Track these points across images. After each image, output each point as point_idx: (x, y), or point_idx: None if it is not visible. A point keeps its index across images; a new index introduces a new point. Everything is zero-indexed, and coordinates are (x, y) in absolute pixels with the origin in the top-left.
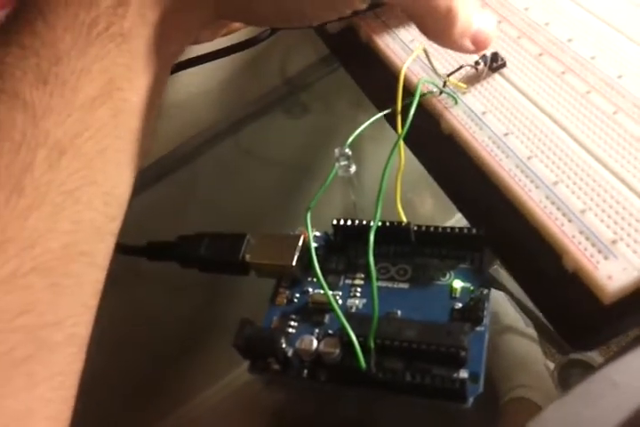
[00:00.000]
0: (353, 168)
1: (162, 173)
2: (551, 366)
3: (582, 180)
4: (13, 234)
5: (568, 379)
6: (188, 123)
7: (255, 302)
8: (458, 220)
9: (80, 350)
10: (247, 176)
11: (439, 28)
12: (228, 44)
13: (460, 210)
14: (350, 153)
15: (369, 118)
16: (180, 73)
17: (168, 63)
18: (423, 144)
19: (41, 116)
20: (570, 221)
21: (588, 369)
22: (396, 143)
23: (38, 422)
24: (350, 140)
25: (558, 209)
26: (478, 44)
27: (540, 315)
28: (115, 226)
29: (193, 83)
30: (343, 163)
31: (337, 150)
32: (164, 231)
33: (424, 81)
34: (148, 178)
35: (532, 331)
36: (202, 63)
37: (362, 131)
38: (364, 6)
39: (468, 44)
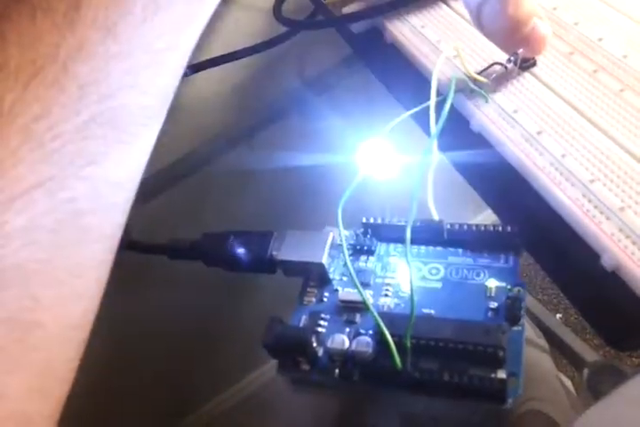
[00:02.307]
0: (381, 164)
1: (177, 176)
2: (564, 378)
3: (619, 177)
4: (100, 78)
5: (598, 385)
6: (204, 126)
7: (280, 301)
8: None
9: (125, 216)
10: (264, 180)
11: (498, 6)
12: (246, 45)
13: (493, 209)
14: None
15: (392, 118)
16: (195, 76)
17: None
18: (453, 143)
19: None
20: (608, 218)
21: (618, 375)
22: (430, 141)
23: (89, 282)
24: (382, 133)
25: (596, 207)
26: (532, 42)
27: (554, 326)
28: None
29: (208, 86)
30: (371, 159)
31: (364, 145)
32: (180, 235)
33: (457, 78)
34: (164, 181)
35: (543, 342)
36: (219, 65)
37: (396, 123)
38: None
39: (521, 34)
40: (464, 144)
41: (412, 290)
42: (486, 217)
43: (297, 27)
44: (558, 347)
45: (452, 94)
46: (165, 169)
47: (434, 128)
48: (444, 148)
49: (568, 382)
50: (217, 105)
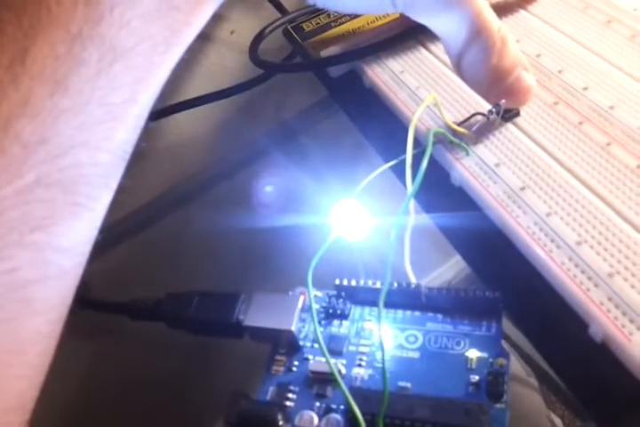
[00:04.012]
0: (357, 224)
1: (149, 220)
2: (554, 417)
3: (608, 240)
4: (48, 136)
5: None
6: (177, 170)
7: (249, 367)
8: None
9: (76, 281)
10: (243, 225)
11: (481, 55)
12: (224, 86)
13: (474, 269)
14: (355, 207)
15: (369, 168)
16: (172, 117)
17: None
18: (431, 197)
19: (99, 17)
20: (596, 285)
21: None
22: (406, 203)
23: (30, 358)
24: (355, 193)
25: (583, 272)
26: (516, 93)
27: (544, 365)
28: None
29: (185, 127)
30: (344, 220)
31: (336, 206)
32: (149, 286)
33: (436, 131)
34: (134, 225)
35: (532, 380)
36: (193, 107)
37: (365, 184)
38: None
39: (504, 85)
40: (445, 199)
41: (384, 367)
42: (455, 263)
43: (273, 69)
44: (548, 385)
45: (429, 150)
46: (129, 216)
47: (410, 187)
48: (423, 202)
49: (558, 422)
50: (188, 148)
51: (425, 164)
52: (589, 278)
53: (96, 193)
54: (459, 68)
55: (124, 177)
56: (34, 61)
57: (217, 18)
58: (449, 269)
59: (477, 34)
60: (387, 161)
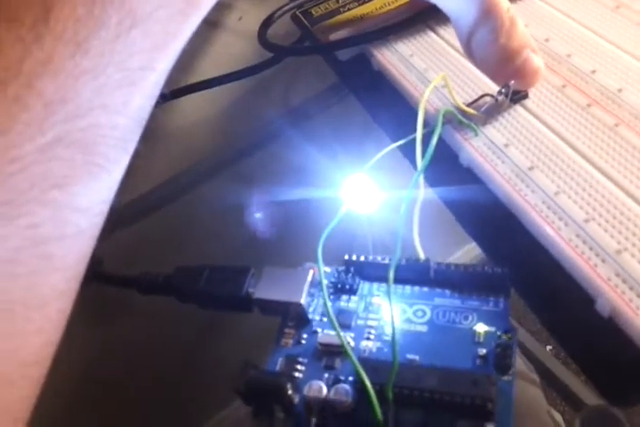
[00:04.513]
0: (368, 199)
1: (159, 202)
2: (555, 413)
3: (615, 217)
4: (69, 96)
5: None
6: (188, 151)
7: (260, 340)
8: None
9: (93, 241)
10: (244, 212)
11: (490, 35)
12: (235, 69)
13: (482, 248)
14: (366, 181)
15: (378, 149)
16: (180, 99)
17: None
18: (440, 177)
19: None
20: (604, 261)
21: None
22: (416, 177)
23: (49, 313)
24: (365, 168)
25: (591, 249)
26: (524, 74)
27: (545, 359)
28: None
29: (193, 110)
30: (355, 195)
31: (347, 180)
32: (158, 265)
33: (446, 110)
34: (144, 207)
35: (534, 376)
36: (202, 90)
37: (376, 159)
38: None
39: (513, 66)
40: (453, 178)
41: (393, 338)
42: (471, 249)
43: (282, 53)
44: (549, 380)
45: (439, 128)
46: (141, 197)
47: (420, 163)
48: (432, 182)
49: (559, 417)
50: (199, 130)
51: (435, 141)
52: (597, 255)
53: (114, 155)
54: (468, 48)
55: (139, 142)
56: (56, 22)
57: (224, 5)
58: (463, 256)
59: (486, 13)
60: (395, 141)
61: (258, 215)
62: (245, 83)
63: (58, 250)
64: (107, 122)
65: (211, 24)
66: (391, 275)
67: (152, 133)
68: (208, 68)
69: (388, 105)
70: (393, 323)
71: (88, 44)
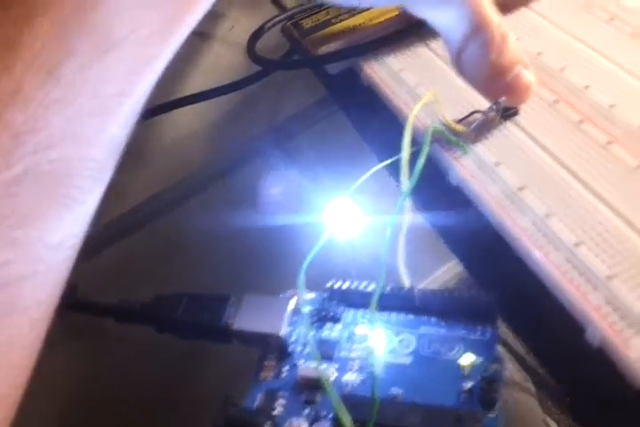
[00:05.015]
0: (351, 224)
1: (141, 221)
2: (550, 421)
3: (607, 241)
4: (39, 127)
5: None
6: (173, 168)
7: (239, 372)
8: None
9: (65, 276)
10: (235, 226)
11: (480, 51)
12: (222, 83)
13: (469, 271)
14: (349, 206)
15: (365, 169)
16: (167, 114)
17: None
18: (429, 196)
19: (91, 2)
20: (595, 288)
21: None
22: (401, 201)
23: (16, 352)
24: (349, 192)
25: (581, 275)
26: (515, 90)
27: (540, 367)
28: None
29: (181, 125)
30: (338, 220)
31: (330, 205)
32: (138, 288)
33: (435, 128)
34: (127, 226)
35: (530, 385)
36: (189, 104)
37: (361, 182)
38: None
39: (504, 82)
40: (442, 199)
41: (374, 371)
42: (452, 266)
43: (270, 66)
44: (544, 389)
45: (427, 148)
46: (127, 214)
47: (406, 185)
48: (419, 201)
49: (554, 426)
50: (178, 150)
51: (422, 161)
52: (587, 281)
53: (88, 186)
54: (458, 64)
55: (116, 172)
56: (26, 48)
57: (216, 14)
58: (445, 274)
59: (477, 29)
60: (383, 161)
61: (263, 188)
62: (234, 96)
63: (29, 288)
64: (79, 153)
65: (201, 34)
66: (374, 305)
67: (133, 151)
68: (198, 79)
69: (377, 122)
70: (374, 357)
71: (59, 72)
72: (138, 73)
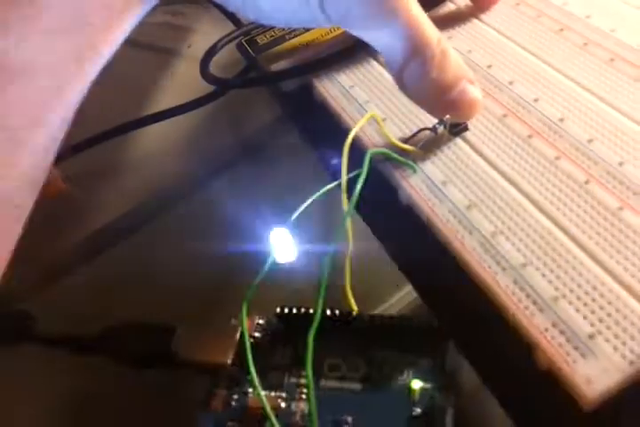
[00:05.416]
0: (294, 251)
1: (101, 245)
2: None
3: (554, 261)
4: None
5: None
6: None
7: (190, 402)
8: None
9: None
10: (182, 254)
11: (420, 69)
12: (182, 101)
13: (419, 293)
14: (290, 234)
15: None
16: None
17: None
18: (380, 216)
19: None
20: (541, 310)
21: None
22: (343, 221)
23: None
24: (292, 218)
25: (528, 296)
26: (460, 107)
27: None
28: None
29: (144, 143)
30: (281, 248)
31: (273, 233)
32: (92, 318)
33: (374, 152)
34: (82, 254)
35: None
36: (143, 126)
37: (305, 208)
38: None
39: (448, 99)
40: (394, 218)
41: (310, 400)
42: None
43: (223, 85)
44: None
45: (364, 174)
46: (88, 238)
47: (346, 207)
48: (372, 221)
49: None
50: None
51: (359, 187)
52: (534, 303)
53: (4, 225)
54: (400, 83)
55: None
56: None
57: (175, 30)
58: (401, 300)
59: (415, 47)
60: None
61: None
62: (196, 114)
63: None
64: None
65: (160, 50)
66: (313, 329)
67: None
68: (157, 95)
69: (328, 140)
70: (310, 385)
71: None
72: (50, 102)
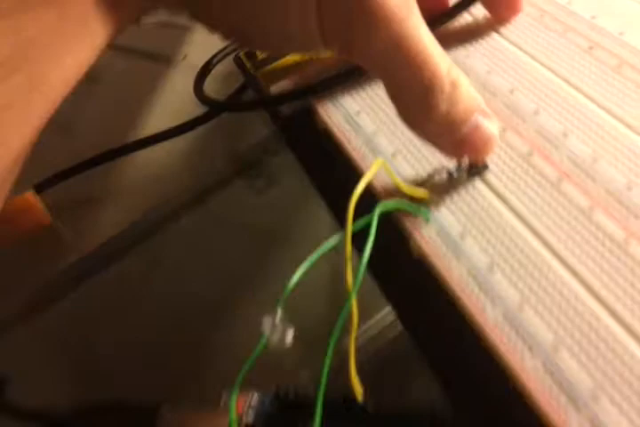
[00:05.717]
0: (289, 335)
1: (89, 271)
2: None
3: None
4: None
5: None
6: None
7: None
8: None
9: None
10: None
11: (414, 110)
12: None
13: (431, 368)
14: (281, 318)
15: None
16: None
17: None
18: (388, 269)
19: None
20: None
21: None
22: (347, 302)
23: None
24: (281, 301)
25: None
26: (473, 145)
27: None
28: None
29: (144, 164)
30: (274, 334)
31: (265, 320)
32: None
33: (383, 208)
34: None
35: None
36: (136, 151)
37: (293, 285)
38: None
39: (459, 136)
40: (405, 270)
41: None
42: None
43: (219, 108)
44: None
45: (372, 236)
46: (74, 265)
47: (350, 284)
48: (379, 271)
49: None
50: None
51: (367, 255)
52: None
53: None
54: (406, 119)
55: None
56: None
57: (170, 41)
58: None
59: (421, 79)
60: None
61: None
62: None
63: None
64: None
65: (156, 60)
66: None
67: None
68: (151, 113)
69: (331, 173)
70: None
71: None
72: None
